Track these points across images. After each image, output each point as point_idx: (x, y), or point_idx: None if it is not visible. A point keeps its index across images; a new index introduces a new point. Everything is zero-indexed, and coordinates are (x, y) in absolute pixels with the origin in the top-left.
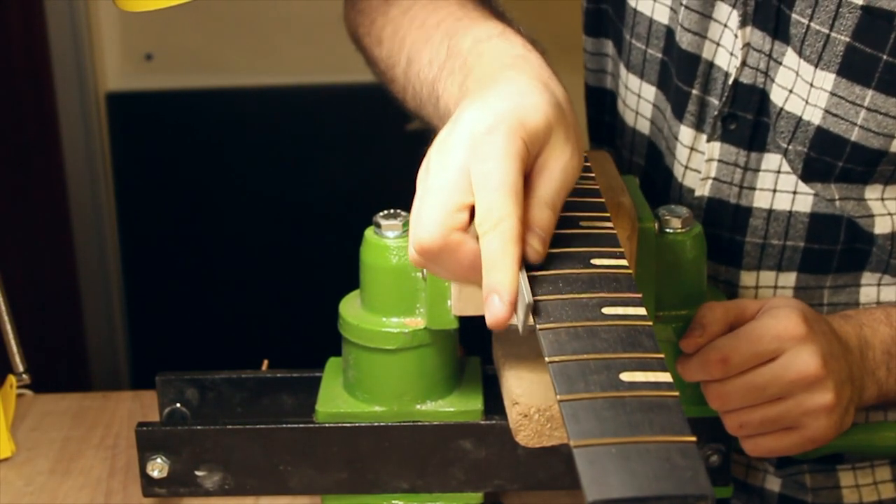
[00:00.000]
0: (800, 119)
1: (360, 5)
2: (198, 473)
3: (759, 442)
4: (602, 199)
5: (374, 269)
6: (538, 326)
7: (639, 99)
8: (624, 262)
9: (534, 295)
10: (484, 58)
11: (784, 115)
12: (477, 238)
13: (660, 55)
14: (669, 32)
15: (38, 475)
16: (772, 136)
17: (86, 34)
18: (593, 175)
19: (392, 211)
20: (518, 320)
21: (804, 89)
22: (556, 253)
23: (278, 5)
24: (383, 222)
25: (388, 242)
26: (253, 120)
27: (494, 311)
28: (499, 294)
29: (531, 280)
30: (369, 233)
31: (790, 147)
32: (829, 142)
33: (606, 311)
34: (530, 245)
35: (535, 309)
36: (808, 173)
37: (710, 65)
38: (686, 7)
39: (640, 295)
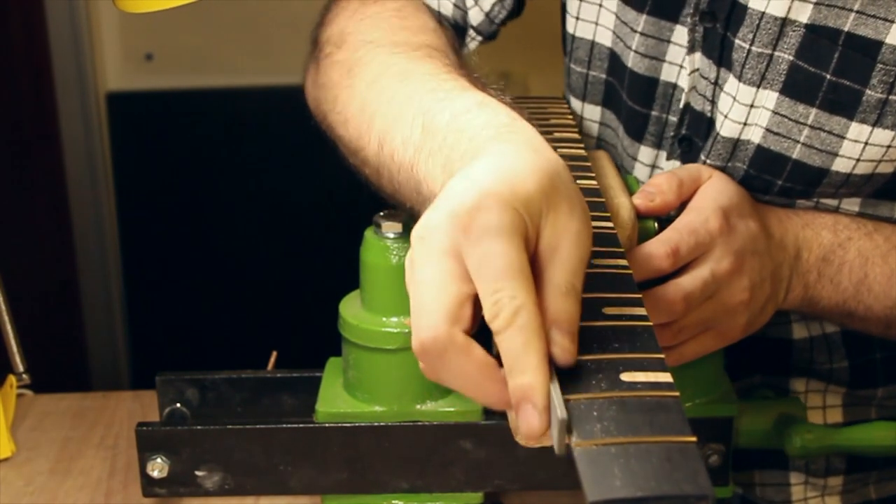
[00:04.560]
0: (737, 140)
1: (322, 79)
2: (198, 473)
3: (682, 351)
4: (602, 199)
5: (374, 269)
6: None
7: (582, 120)
8: (624, 262)
9: None
10: (465, 133)
11: (720, 139)
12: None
13: (604, 76)
14: (613, 55)
15: (38, 475)
16: (706, 157)
17: (86, 34)
18: (593, 175)
19: (392, 211)
20: (552, 437)
21: (741, 113)
22: None
23: (278, 5)
24: (383, 222)
25: (388, 242)
26: (253, 120)
27: (530, 423)
28: (531, 401)
29: None
30: (369, 233)
31: (728, 165)
32: (769, 160)
33: (606, 311)
34: (557, 344)
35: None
36: (746, 190)
37: (673, 86)
38: (641, 34)
39: (640, 295)
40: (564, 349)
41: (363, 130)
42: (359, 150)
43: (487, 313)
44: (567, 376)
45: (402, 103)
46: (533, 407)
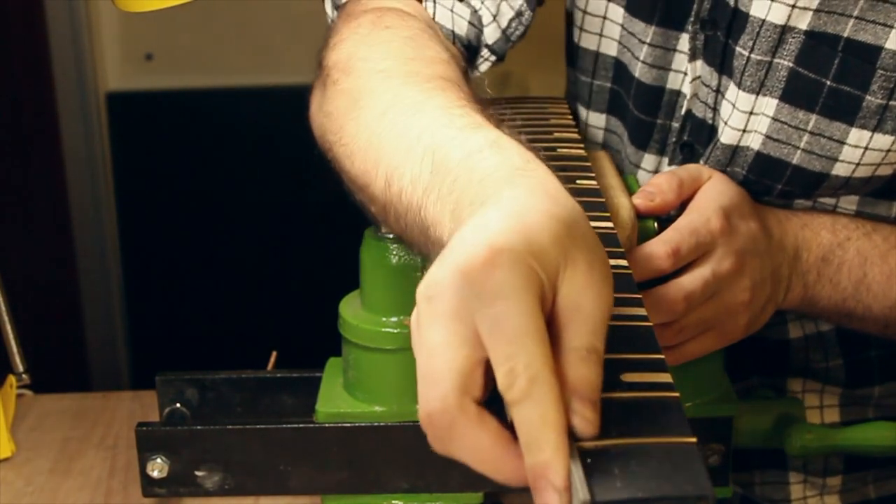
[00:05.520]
0: (736, 147)
1: (328, 107)
2: (198, 473)
3: (683, 350)
4: (602, 199)
5: (374, 269)
6: None
7: (587, 127)
8: (624, 262)
9: None
10: (475, 175)
11: (720, 146)
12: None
13: (609, 84)
14: (619, 64)
15: (38, 475)
16: (705, 163)
17: (86, 34)
18: (593, 175)
19: None
20: None
21: (740, 120)
22: None
23: (278, 5)
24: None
25: (388, 242)
26: (253, 120)
27: None
28: (550, 480)
29: None
30: (369, 233)
31: (728, 170)
32: (769, 165)
33: None
34: (578, 414)
35: None
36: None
37: (677, 94)
38: (650, 44)
39: (640, 295)
40: (586, 420)
41: (370, 166)
42: (365, 186)
43: (501, 382)
44: None
45: (412, 139)
46: (553, 488)
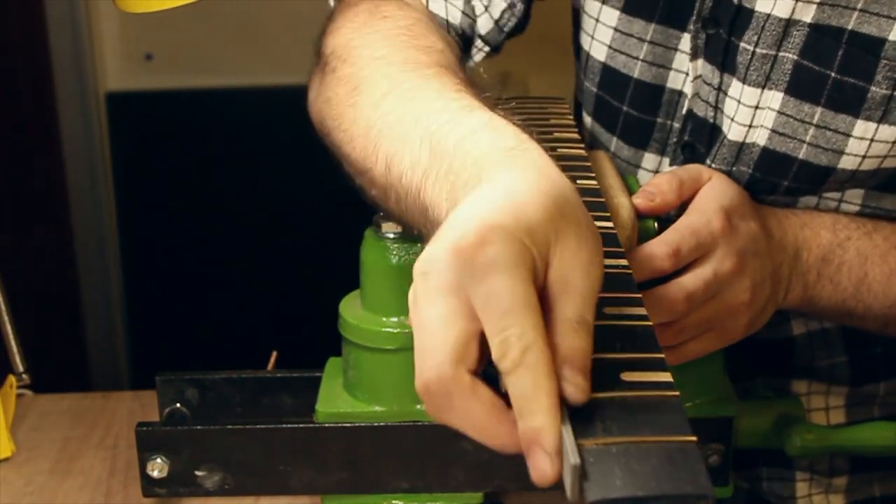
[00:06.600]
0: (743, 143)
1: (327, 93)
2: (198, 473)
3: (683, 350)
4: (602, 199)
5: (374, 269)
6: None
7: (582, 125)
8: (624, 262)
9: None
10: (470, 156)
11: (726, 143)
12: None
13: (595, 89)
14: (605, 70)
15: (38, 475)
16: (711, 162)
17: (86, 34)
18: (593, 175)
19: None
20: (565, 483)
21: (746, 115)
22: None
23: (278, 5)
24: (383, 222)
25: (388, 242)
26: (253, 120)
27: (541, 469)
28: (542, 444)
29: None
30: (369, 233)
31: (734, 169)
32: (775, 161)
33: (606, 311)
34: (569, 381)
35: None
36: (751, 193)
37: (679, 93)
38: (650, 42)
39: (640, 295)
40: (577, 387)
41: (369, 151)
42: (365, 170)
43: (495, 353)
44: None
45: (410, 124)
46: (544, 452)
